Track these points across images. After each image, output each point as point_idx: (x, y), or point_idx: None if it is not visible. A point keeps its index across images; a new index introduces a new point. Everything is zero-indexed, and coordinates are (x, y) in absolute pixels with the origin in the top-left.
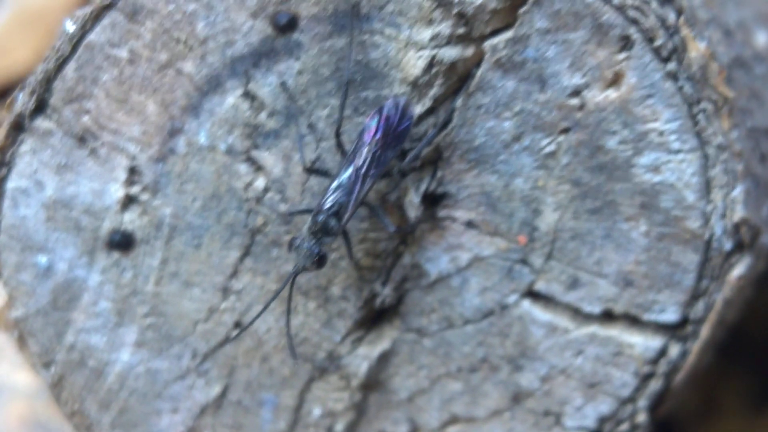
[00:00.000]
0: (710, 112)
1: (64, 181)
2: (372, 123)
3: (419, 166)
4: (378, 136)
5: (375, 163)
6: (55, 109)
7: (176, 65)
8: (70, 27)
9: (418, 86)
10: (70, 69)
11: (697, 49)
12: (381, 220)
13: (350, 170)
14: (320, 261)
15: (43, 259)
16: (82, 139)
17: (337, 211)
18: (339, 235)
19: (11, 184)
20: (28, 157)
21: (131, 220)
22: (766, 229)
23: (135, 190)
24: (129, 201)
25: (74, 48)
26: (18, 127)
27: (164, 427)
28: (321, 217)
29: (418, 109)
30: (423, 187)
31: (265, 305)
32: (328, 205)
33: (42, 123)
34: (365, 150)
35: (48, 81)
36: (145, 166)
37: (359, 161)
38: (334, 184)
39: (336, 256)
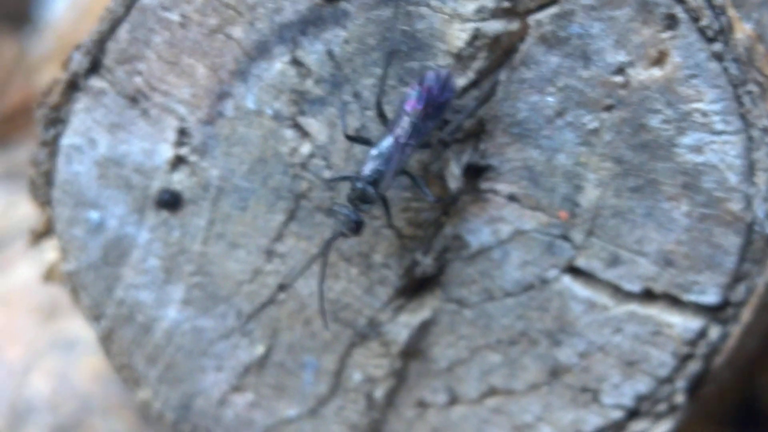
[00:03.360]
0: (756, 95)
1: (116, 140)
2: (413, 93)
3: (462, 139)
4: (419, 106)
5: (414, 133)
6: (108, 70)
7: (226, 30)
8: None
9: (461, 58)
10: (123, 30)
11: (743, 30)
12: (421, 189)
13: (390, 139)
14: (357, 227)
15: (95, 215)
16: (134, 100)
17: (376, 180)
18: (377, 203)
19: (66, 141)
20: (82, 115)
21: (180, 181)
22: None
23: (184, 151)
24: (178, 161)
25: (127, 10)
26: (73, 86)
27: (209, 384)
28: (359, 185)
29: (461, 82)
30: (465, 159)
31: (303, 269)
32: (366, 173)
33: (96, 82)
34: (405, 120)
35: (102, 42)
36: (194, 128)
37: (399, 131)
38: (374, 152)
39: (378, 224)
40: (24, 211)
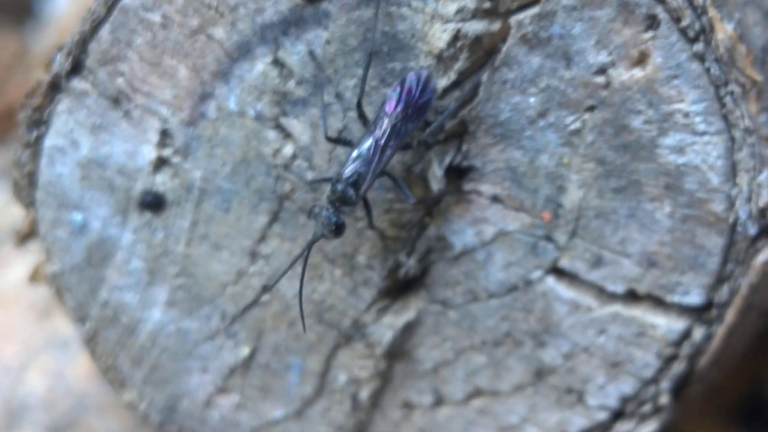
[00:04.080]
0: (738, 95)
1: (98, 141)
2: (393, 94)
3: (444, 140)
4: (398, 108)
5: (395, 134)
6: (90, 71)
7: (207, 31)
8: None
9: (443, 59)
10: (105, 31)
11: (724, 31)
12: (402, 191)
13: (370, 141)
14: (338, 229)
15: (78, 217)
16: (116, 101)
17: (356, 181)
18: (357, 204)
19: (48, 142)
20: (64, 117)
21: (163, 182)
22: None
23: (167, 152)
24: (161, 163)
25: (109, 10)
26: (55, 87)
27: (194, 385)
28: (340, 186)
29: (443, 82)
30: (447, 160)
31: (285, 270)
32: (347, 174)
33: (78, 84)
34: (385, 121)
35: (84, 42)
36: (177, 129)
37: (379, 132)
38: (354, 153)
39: (362, 225)
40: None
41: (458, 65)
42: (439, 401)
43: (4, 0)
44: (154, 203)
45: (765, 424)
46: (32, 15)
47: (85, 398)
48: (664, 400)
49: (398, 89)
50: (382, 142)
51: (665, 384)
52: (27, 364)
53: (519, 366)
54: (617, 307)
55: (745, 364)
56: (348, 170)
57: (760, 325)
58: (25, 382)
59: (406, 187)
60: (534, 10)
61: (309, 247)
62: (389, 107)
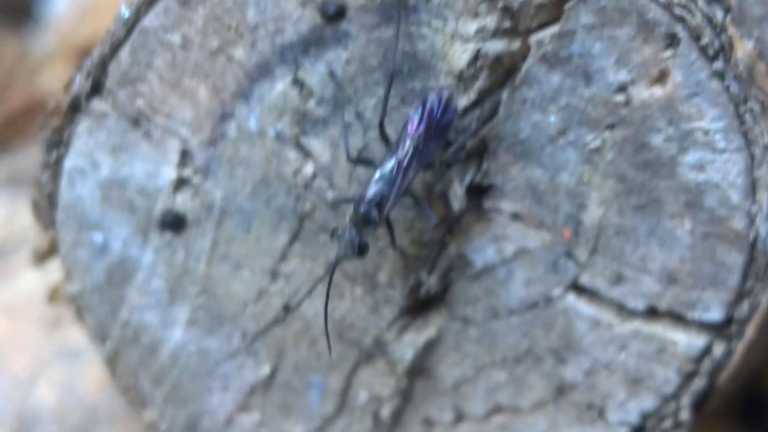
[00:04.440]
0: (757, 112)
1: (118, 162)
2: (415, 115)
3: (464, 158)
4: (421, 128)
5: (417, 155)
6: (110, 92)
7: (227, 51)
8: (125, 11)
9: (463, 78)
10: (124, 53)
11: (743, 49)
12: (423, 211)
13: (392, 162)
14: (361, 251)
15: (98, 237)
16: (136, 122)
17: (379, 202)
18: (380, 225)
19: (69, 164)
20: (84, 138)
21: (183, 202)
22: None
23: (187, 172)
24: (181, 183)
25: (129, 32)
26: (75, 108)
27: (215, 404)
28: (362, 208)
29: (463, 102)
30: (468, 178)
31: (308, 291)
32: (369, 195)
33: (98, 105)
34: (408, 142)
35: (103, 64)
36: (197, 149)
37: (401, 153)
38: (377, 175)
39: (383, 244)
40: (27, 219)
41: (478, 84)
42: (459, 418)
43: (3, 2)
44: (174, 223)
45: (765, 423)
46: (31, 18)
47: (95, 410)
48: (685, 415)
49: (420, 109)
50: (405, 162)
51: (686, 400)
52: (37, 376)
53: (540, 382)
54: (638, 324)
55: None
56: (371, 191)
57: None
58: (36, 395)
59: (428, 207)
60: (554, 30)
61: (332, 269)
62: (411, 127)
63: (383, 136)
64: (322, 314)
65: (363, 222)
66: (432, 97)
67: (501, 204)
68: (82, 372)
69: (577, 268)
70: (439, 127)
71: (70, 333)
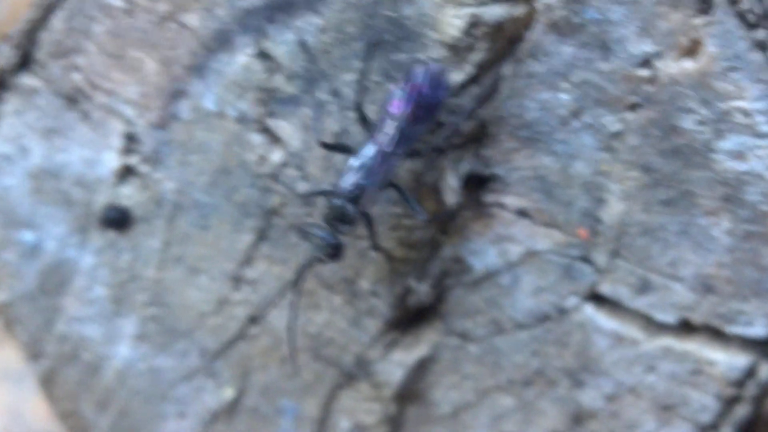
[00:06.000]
0: None
1: (52, 148)
2: (399, 93)
3: (460, 144)
4: (406, 108)
5: (402, 140)
6: (41, 65)
7: (179, 17)
8: None
9: (457, 49)
10: (58, 19)
11: None
12: (410, 206)
13: (372, 148)
14: (335, 252)
15: (29, 236)
16: (72, 100)
17: (357, 195)
18: (359, 222)
19: None
20: (11, 119)
21: (129, 195)
22: None
23: (133, 160)
24: (126, 172)
25: None
26: (0, 84)
27: None
28: (337, 202)
29: (457, 77)
30: (464, 168)
31: (274, 299)
32: (345, 187)
33: (27, 80)
34: (390, 125)
35: (33, 32)
36: (144, 132)
37: (383, 138)
38: (354, 162)
39: (364, 245)
40: None
41: (476, 56)
42: None
43: None
44: (118, 220)
45: None
46: None
47: None
48: None
49: (405, 86)
50: (388, 148)
51: (726, 430)
52: None
53: (553, 409)
54: (668, 340)
55: None
56: (347, 182)
57: None
58: None
59: (416, 201)
60: None
61: (301, 274)
62: (395, 108)
63: (362, 117)
64: (288, 329)
65: (337, 219)
66: (420, 72)
67: (504, 198)
68: (28, 396)
69: (595, 274)
70: (427, 107)
71: (13, 352)
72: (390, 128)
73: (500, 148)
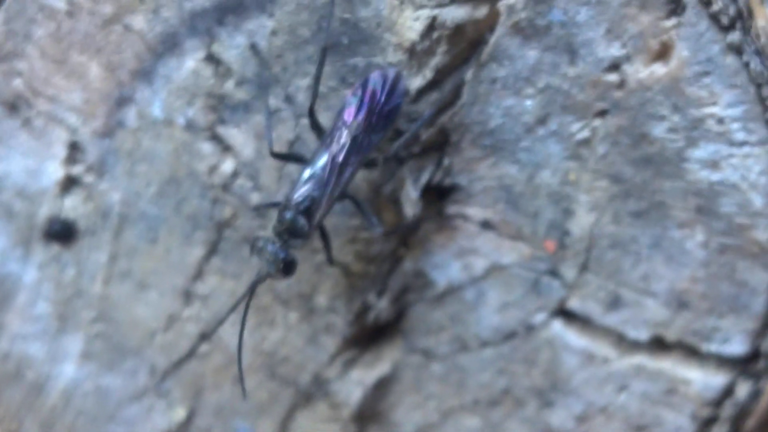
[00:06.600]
0: None
1: None
2: (353, 99)
3: (420, 153)
4: (360, 116)
5: (355, 149)
6: None
7: (124, 20)
8: None
9: (416, 53)
10: None
11: (765, 17)
12: (366, 218)
13: (325, 157)
14: (287, 267)
15: None
16: (13, 107)
17: (309, 207)
18: (311, 236)
19: None
20: None
21: (73, 207)
22: None
23: (77, 170)
24: (70, 183)
25: None
26: None
27: None
28: (288, 215)
29: (416, 82)
30: (424, 178)
31: (225, 316)
32: (297, 199)
33: None
34: (344, 133)
35: None
36: (89, 141)
37: (336, 147)
38: (306, 173)
39: (320, 259)
40: None
41: (435, 61)
42: None
43: None
44: (62, 233)
45: None
46: None
47: None
48: None
49: (360, 92)
50: (341, 158)
51: None
52: None
53: (521, 430)
54: (641, 358)
55: None
56: (298, 194)
57: None
58: None
59: (372, 213)
60: None
61: (251, 290)
62: (349, 115)
63: (315, 125)
64: (248, 345)
65: (289, 233)
66: (375, 77)
67: (467, 209)
68: None
69: (563, 289)
70: (383, 115)
71: None
72: (343, 137)
73: (462, 157)
